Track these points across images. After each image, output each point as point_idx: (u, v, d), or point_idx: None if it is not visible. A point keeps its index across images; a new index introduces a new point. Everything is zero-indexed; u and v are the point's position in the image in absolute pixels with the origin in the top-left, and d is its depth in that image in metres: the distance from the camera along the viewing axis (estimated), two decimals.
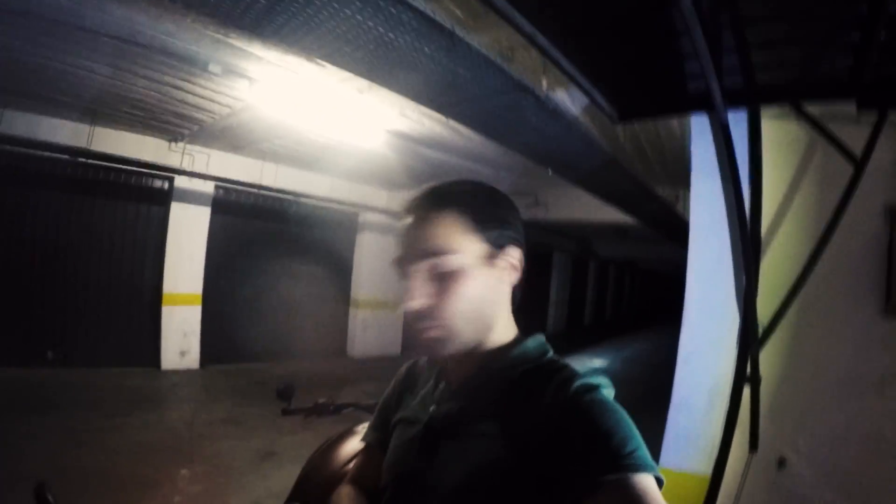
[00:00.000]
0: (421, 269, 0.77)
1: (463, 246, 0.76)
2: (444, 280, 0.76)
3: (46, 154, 5.78)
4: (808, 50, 1.80)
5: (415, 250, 0.77)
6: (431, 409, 0.84)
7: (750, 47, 1.83)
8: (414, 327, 0.78)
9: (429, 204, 0.80)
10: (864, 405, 2.13)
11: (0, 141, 5.41)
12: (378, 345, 9.72)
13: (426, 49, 2.28)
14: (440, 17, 2.11)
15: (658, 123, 4.48)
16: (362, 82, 2.82)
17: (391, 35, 2.17)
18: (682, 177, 2.56)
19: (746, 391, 2.24)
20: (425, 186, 0.84)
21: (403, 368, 1.01)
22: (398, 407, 0.95)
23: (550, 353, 0.83)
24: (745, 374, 2.23)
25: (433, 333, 0.76)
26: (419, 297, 0.76)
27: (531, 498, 0.66)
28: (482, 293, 0.78)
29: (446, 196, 0.80)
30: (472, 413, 0.77)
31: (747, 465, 2.24)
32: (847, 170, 2.10)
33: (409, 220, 0.79)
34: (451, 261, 0.76)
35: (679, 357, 2.43)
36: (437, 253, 0.76)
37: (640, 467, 0.61)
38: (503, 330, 0.82)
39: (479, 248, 0.78)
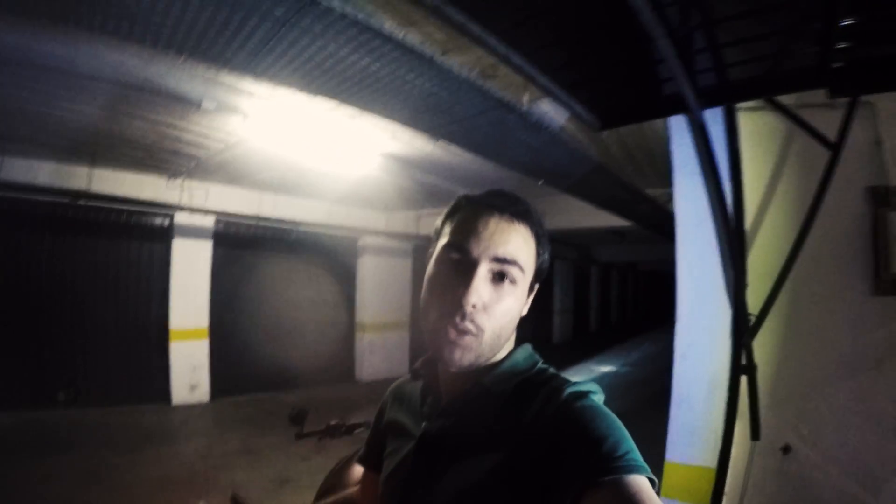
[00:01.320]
0: (487, 269, 0.75)
1: (527, 265, 0.78)
2: (498, 288, 0.76)
3: (48, 198, 5.89)
4: (777, 43, 1.87)
5: (490, 249, 0.75)
6: (423, 424, 0.83)
7: (721, 46, 1.91)
8: (446, 327, 0.74)
9: (514, 210, 0.79)
10: (863, 384, 2.16)
11: (2, 187, 5.51)
12: (386, 367, 9.71)
13: (408, 76, 2.37)
14: (419, 45, 2.20)
15: (643, 126, 4.56)
16: (352, 109, 2.91)
17: (374, 66, 2.27)
18: (672, 176, 2.62)
19: (744, 381, 2.28)
20: (496, 190, 0.83)
21: (389, 391, 1.02)
22: (389, 425, 0.96)
23: (540, 363, 0.84)
24: (741, 364, 2.28)
25: (466, 340, 0.74)
26: (477, 295, 0.73)
27: None
28: (515, 316, 0.79)
29: (527, 210, 0.81)
30: (467, 428, 0.78)
31: (751, 454, 2.27)
32: (825, 155, 2.16)
33: (488, 216, 0.78)
34: (516, 274, 0.76)
35: (676, 353, 2.47)
36: (510, 262, 0.75)
37: (634, 469, 0.62)
38: (503, 349, 0.82)
39: (531, 274, 0.80)
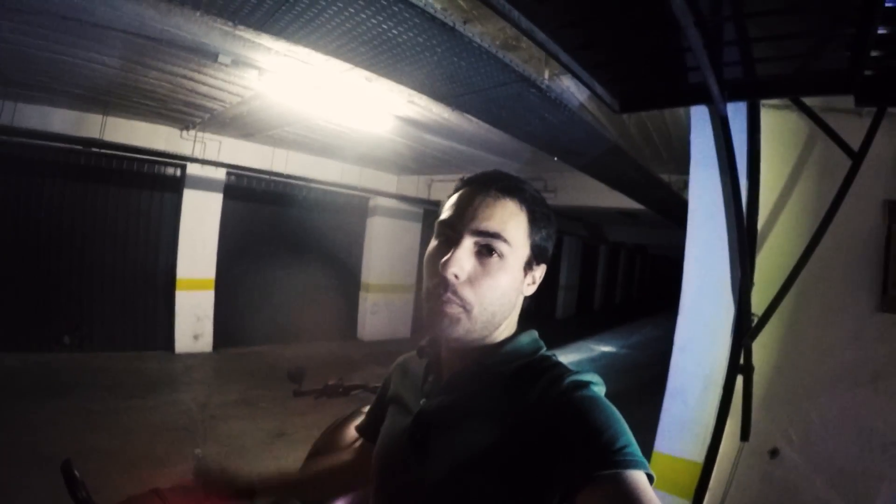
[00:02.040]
0: (471, 242, 0.76)
1: (515, 240, 0.77)
2: (485, 263, 0.76)
3: (60, 145, 5.88)
4: (808, 44, 1.81)
5: (473, 223, 0.76)
6: (422, 402, 0.84)
7: (751, 41, 1.85)
8: (434, 299, 0.76)
9: (500, 185, 0.79)
10: (857, 398, 2.15)
11: (15, 133, 5.53)
12: (388, 328, 9.84)
13: (428, 44, 2.31)
14: (442, 12, 2.14)
15: (664, 111, 4.47)
16: (369, 73, 2.86)
17: (394, 31, 2.21)
18: (688, 165, 2.58)
19: (740, 381, 2.28)
20: (491, 170, 0.84)
21: (395, 365, 1.03)
22: (391, 400, 0.96)
23: (543, 350, 0.84)
24: (739, 363, 2.28)
25: (452, 309, 0.75)
26: (458, 266, 0.74)
27: (522, 493, 0.67)
28: (507, 292, 0.78)
29: (516, 186, 0.81)
30: (464, 407, 0.78)
31: (739, 454, 2.29)
32: (846, 162, 2.11)
33: (474, 193, 0.79)
34: (501, 247, 0.76)
35: (675, 345, 2.47)
36: (492, 235, 0.76)
37: (632, 464, 0.62)
38: (504, 331, 0.83)
39: (524, 250, 0.79)
